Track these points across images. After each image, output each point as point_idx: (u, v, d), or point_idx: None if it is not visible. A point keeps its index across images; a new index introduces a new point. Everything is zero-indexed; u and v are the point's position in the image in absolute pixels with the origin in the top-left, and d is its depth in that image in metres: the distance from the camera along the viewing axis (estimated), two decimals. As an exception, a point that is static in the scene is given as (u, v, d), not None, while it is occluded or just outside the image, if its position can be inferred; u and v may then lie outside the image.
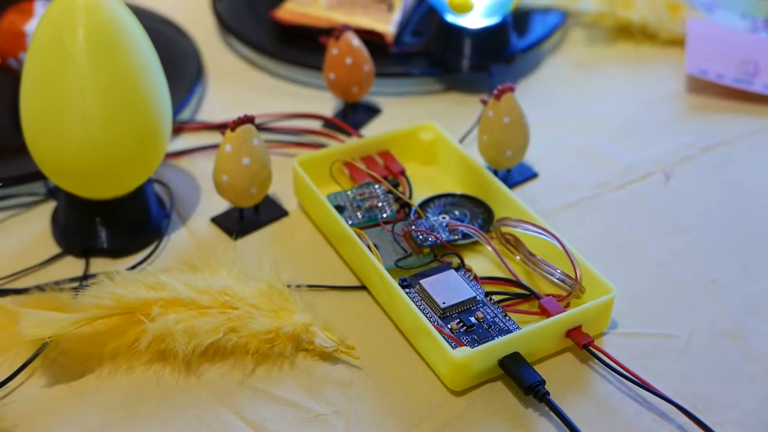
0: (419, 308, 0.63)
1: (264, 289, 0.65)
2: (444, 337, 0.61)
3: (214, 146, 0.83)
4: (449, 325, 0.64)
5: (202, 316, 0.63)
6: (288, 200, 0.78)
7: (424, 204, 0.75)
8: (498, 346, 0.61)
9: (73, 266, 0.72)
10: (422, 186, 0.77)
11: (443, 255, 0.70)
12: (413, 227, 0.70)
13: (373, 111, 0.89)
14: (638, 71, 0.97)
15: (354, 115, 0.88)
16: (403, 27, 0.98)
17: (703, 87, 0.93)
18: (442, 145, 0.79)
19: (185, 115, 0.89)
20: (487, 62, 0.90)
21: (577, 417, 0.59)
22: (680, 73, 0.95)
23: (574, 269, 0.66)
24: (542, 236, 0.68)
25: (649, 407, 0.61)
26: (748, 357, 0.65)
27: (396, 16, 0.96)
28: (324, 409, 0.61)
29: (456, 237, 0.70)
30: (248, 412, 0.61)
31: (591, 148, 0.84)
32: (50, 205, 0.77)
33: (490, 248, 0.69)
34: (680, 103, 0.92)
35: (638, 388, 0.61)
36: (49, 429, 0.60)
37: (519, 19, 0.97)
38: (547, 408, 0.60)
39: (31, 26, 0.84)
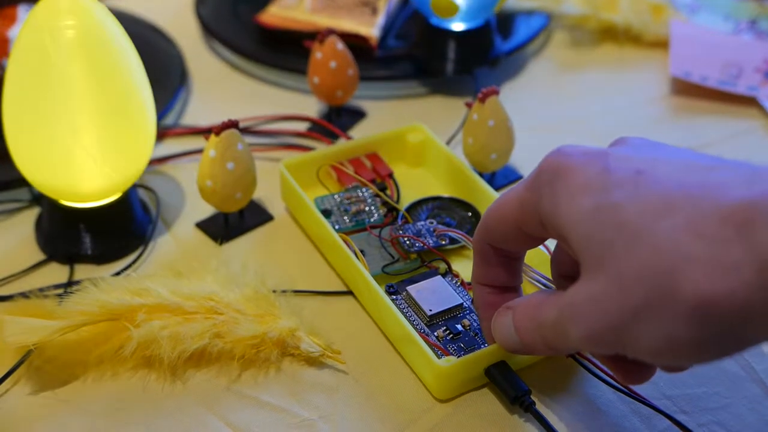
0: (405, 315, 0.63)
1: (249, 295, 0.65)
2: (430, 345, 0.61)
3: (199, 151, 0.82)
4: (436, 333, 0.64)
5: (188, 322, 0.62)
6: (273, 205, 0.78)
7: (412, 208, 0.75)
8: (484, 355, 0.60)
9: (57, 273, 0.72)
10: (410, 188, 0.77)
11: (431, 260, 0.70)
12: (400, 232, 0.70)
13: (358, 115, 0.89)
14: (622, 73, 0.97)
15: (339, 119, 0.87)
16: (387, 30, 0.98)
17: (687, 89, 0.93)
18: (431, 147, 0.79)
19: (169, 120, 0.88)
20: (472, 65, 0.90)
21: (562, 425, 0.59)
22: (664, 75, 0.95)
23: (561, 274, 0.66)
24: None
25: (635, 413, 0.61)
26: (734, 359, 0.65)
27: (380, 20, 0.96)
28: (310, 414, 0.61)
29: (443, 242, 0.70)
30: (234, 418, 0.61)
31: (576, 151, 0.84)
32: (34, 212, 0.77)
33: (476, 253, 0.69)
34: (665, 104, 0.92)
35: (623, 394, 0.61)
36: (35, 437, 0.60)
37: (503, 22, 0.97)
38: (532, 417, 0.59)
39: (14, 32, 0.84)
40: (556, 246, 0.58)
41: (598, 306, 0.48)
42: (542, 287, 0.66)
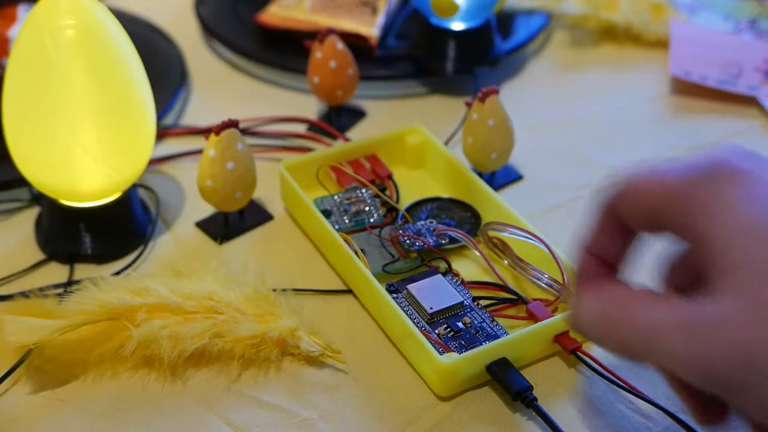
0: (406, 313, 0.63)
1: (249, 294, 0.65)
2: (431, 342, 0.61)
3: (199, 151, 0.82)
4: (436, 331, 0.64)
5: (188, 322, 0.62)
6: (273, 204, 0.78)
7: (412, 208, 0.75)
8: (485, 352, 0.60)
9: (57, 272, 0.72)
10: (409, 190, 0.77)
11: (431, 260, 0.70)
12: (400, 232, 0.70)
13: (358, 114, 0.89)
14: (622, 73, 0.97)
15: (339, 118, 0.87)
16: (387, 30, 0.98)
17: (687, 88, 0.93)
18: (430, 149, 0.79)
19: (169, 120, 0.88)
20: (472, 65, 0.90)
21: (564, 422, 0.59)
22: (664, 75, 0.95)
23: (562, 274, 0.66)
24: (529, 240, 0.68)
25: (636, 410, 0.61)
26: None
27: (380, 20, 0.96)
28: (310, 413, 0.61)
29: (443, 241, 0.70)
30: (234, 417, 0.61)
31: (576, 150, 0.84)
32: (34, 211, 0.77)
33: (477, 252, 0.69)
34: (665, 104, 0.92)
35: (625, 392, 0.61)
36: (34, 437, 0.60)
37: (503, 22, 0.97)
38: (534, 413, 0.60)
39: (14, 31, 0.84)
40: (681, 254, 0.51)
41: (730, 330, 0.41)
42: (544, 286, 0.66)
